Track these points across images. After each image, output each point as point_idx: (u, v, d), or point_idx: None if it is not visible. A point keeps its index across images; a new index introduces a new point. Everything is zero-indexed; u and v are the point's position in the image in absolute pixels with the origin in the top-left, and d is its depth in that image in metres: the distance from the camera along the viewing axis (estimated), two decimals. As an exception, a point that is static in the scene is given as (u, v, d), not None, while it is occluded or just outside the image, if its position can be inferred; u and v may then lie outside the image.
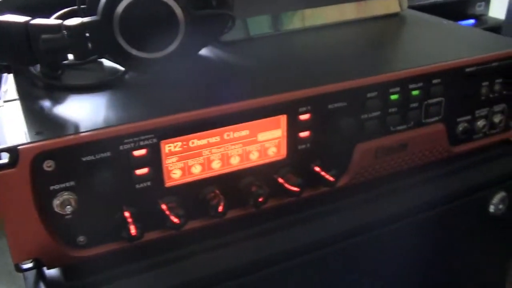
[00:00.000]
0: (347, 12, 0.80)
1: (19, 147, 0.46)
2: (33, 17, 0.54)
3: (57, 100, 0.56)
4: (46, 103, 0.55)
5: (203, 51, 0.67)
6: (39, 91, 0.58)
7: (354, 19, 0.81)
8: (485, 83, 0.68)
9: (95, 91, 0.57)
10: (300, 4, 0.76)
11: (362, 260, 0.65)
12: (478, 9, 1.23)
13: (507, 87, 0.70)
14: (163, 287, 0.53)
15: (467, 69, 0.66)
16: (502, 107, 0.71)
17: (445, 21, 0.83)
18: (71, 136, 0.48)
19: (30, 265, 0.50)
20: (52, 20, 0.54)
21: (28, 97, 0.56)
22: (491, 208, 0.71)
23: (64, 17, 0.63)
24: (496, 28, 1.07)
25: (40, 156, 0.47)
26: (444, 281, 0.75)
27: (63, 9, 0.65)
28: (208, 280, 0.54)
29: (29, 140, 0.47)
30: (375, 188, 0.64)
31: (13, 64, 0.59)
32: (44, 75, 0.60)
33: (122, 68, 0.61)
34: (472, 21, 1.22)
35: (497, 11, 1.10)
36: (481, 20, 1.24)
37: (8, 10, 0.56)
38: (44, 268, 0.52)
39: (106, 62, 0.64)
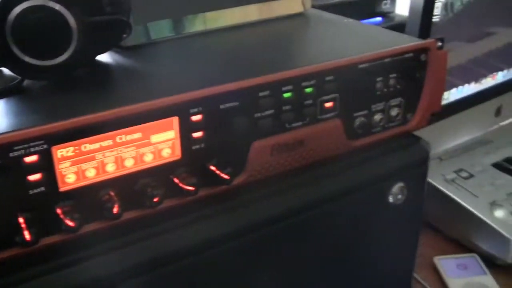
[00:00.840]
0: (249, 14, 0.82)
1: None
2: None
3: (-51, 111, 0.56)
4: None
5: (105, 57, 0.68)
6: None
7: (257, 20, 0.82)
8: (379, 79, 0.71)
9: (-10, 100, 0.58)
10: (201, 7, 0.77)
11: (264, 256, 0.66)
12: (385, 7, 1.26)
13: (402, 82, 0.73)
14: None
15: (360, 66, 0.68)
16: (398, 101, 0.74)
17: (345, 20, 0.86)
18: (-42, 146, 0.48)
19: None
20: None
21: None
22: (390, 198, 0.74)
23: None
24: (402, 24, 1.10)
25: None
26: (351, 272, 0.77)
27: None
28: (104, 281, 0.55)
29: None
30: (275, 184, 0.66)
31: None
32: None
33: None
34: (379, 18, 1.26)
35: (403, 8, 1.14)
36: (388, 17, 1.28)
37: None
38: None
39: (6, 70, 0.64)
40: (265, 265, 0.67)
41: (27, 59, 0.57)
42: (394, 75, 0.72)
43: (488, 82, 1.29)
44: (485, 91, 1.30)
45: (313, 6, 0.92)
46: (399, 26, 1.12)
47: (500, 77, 1.32)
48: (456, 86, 1.21)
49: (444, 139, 1.27)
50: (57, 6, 0.56)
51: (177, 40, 0.75)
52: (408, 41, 0.74)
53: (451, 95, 1.21)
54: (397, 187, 0.74)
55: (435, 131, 1.16)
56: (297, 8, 0.87)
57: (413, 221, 0.81)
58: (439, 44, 0.75)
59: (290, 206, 0.66)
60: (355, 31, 0.81)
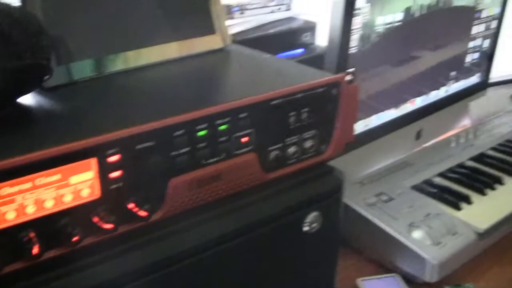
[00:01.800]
0: (170, 51, 0.85)
1: None
2: None
3: None
4: None
5: (27, 98, 0.70)
6: None
7: (177, 57, 0.85)
8: (292, 113, 0.75)
9: None
10: (122, 46, 0.80)
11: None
12: (305, 39, 1.32)
13: (315, 115, 0.77)
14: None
15: (273, 102, 0.72)
16: (312, 133, 0.78)
17: (264, 55, 0.90)
18: None
19: None
20: None
21: None
22: (306, 227, 0.78)
23: None
24: (323, 55, 1.15)
25: None
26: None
27: None
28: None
29: None
30: (193, 216, 0.69)
31: None
32: None
33: None
34: (301, 50, 1.31)
35: (323, 39, 1.19)
36: (309, 48, 1.33)
37: None
38: None
39: None
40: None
41: None
42: (306, 109, 0.76)
43: (407, 107, 1.35)
44: (405, 116, 1.36)
45: (236, 41, 0.96)
46: (320, 57, 1.17)
47: (419, 102, 1.38)
48: (376, 112, 1.26)
49: (367, 164, 1.32)
50: (-25, 53, 0.58)
51: (99, 80, 0.77)
52: (320, 76, 0.78)
53: (372, 122, 1.26)
54: (312, 216, 0.78)
55: (357, 156, 1.21)
56: (217, 44, 0.91)
57: (330, 248, 0.84)
58: (350, 78, 0.79)
59: (208, 238, 0.69)
60: (271, 67, 0.84)
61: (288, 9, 1.36)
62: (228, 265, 0.72)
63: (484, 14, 1.49)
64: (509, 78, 1.77)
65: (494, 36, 1.58)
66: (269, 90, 0.72)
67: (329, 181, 0.81)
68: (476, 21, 1.48)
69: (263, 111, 0.71)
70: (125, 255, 0.64)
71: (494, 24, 1.55)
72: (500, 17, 1.56)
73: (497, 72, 1.70)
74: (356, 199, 1.17)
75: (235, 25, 1.21)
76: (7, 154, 0.55)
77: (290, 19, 1.36)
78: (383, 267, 1.14)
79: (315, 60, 1.24)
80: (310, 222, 0.78)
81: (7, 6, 0.64)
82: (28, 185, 0.56)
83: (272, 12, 1.32)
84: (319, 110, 0.77)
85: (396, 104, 1.32)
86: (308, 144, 0.78)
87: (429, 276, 1.07)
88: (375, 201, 1.17)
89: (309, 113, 0.76)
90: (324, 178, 0.80)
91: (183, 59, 0.86)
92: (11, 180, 0.55)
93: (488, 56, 1.59)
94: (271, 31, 1.28)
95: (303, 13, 1.38)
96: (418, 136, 1.45)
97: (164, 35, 0.85)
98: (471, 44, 1.51)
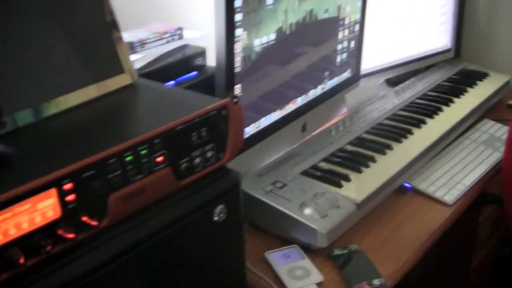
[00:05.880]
0: (90, 93, 1.06)
1: None
2: None
3: None
4: None
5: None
6: None
7: (97, 97, 1.07)
8: (194, 133, 0.98)
9: None
10: (52, 94, 1.01)
11: (134, 271, 0.91)
12: (197, 63, 1.54)
13: (211, 132, 1.01)
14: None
15: (178, 128, 0.95)
16: (211, 146, 1.02)
17: (164, 87, 1.13)
18: None
19: None
20: None
21: None
22: (215, 217, 1.02)
23: None
24: (214, 75, 1.37)
25: None
26: (198, 276, 1.03)
27: None
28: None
29: None
30: (134, 219, 0.91)
31: None
32: None
33: None
34: (195, 72, 1.53)
35: (213, 61, 1.40)
36: (202, 70, 1.55)
37: None
38: None
39: None
40: (137, 277, 0.92)
41: None
42: (204, 128, 0.99)
43: (291, 107, 1.61)
44: (289, 114, 1.61)
45: (142, 73, 1.18)
46: (212, 77, 1.39)
47: (300, 101, 1.64)
48: (264, 114, 1.51)
49: (263, 158, 1.56)
50: None
51: (38, 124, 0.98)
52: (212, 102, 1.01)
53: (262, 123, 1.50)
54: (219, 209, 1.02)
55: (254, 153, 1.46)
56: (127, 80, 1.13)
57: (237, 230, 1.09)
58: (235, 100, 1.04)
59: (144, 234, 0.92)
60: (172, 98, 1.08)
61: (180, 38, 1.58)
62: (161, 254, 0.95)
63: (346, 21, 1.76)
64: (377, 69, 2.05)
65: (359, 37, 1.86)
66: (173, 119, 0.95)
67: (228, 180, 1.05)
68: (340, 27, 1.75)
69: (171, 135, 0.94)
70: (89, 254, 0.86)
71: (357, 27, 1.83)
72: (361, 21, 1.83)
73: (369, 64, 1.98)
74: (256, 189, 1.41)
75: (139, 60, 1.42)
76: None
77: (183, 46, 1.58)
78: (286, 241, 1.39)
79: (208, 80, 1.46)
80: (218, 213, 1.02)
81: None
82: (7, 214, 0.77)
83: (167, 42, 1.54)
84: (214, 128, 1.01)
85: (281, 106, 1.57)
86: (209, 154, 1.01)
87: (321, 243, 1.33)
88: (271, 188, 1.42)
89: (206, 132, 1.00)
90: (224, 178, 1.04)
91: (101, 98, 1.07)
92: (-3, 212, 0.76)
93: (356, 54, 1.86)
94: (170, 59, 1.50)
95: (194, 40, 1.61)
96: (304, 129, 1.71)
97: (84, 79, 1.06)
98: (339, 46, 1.77)
